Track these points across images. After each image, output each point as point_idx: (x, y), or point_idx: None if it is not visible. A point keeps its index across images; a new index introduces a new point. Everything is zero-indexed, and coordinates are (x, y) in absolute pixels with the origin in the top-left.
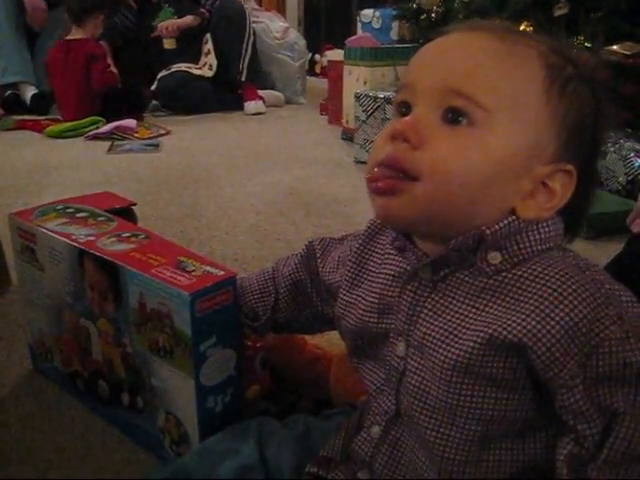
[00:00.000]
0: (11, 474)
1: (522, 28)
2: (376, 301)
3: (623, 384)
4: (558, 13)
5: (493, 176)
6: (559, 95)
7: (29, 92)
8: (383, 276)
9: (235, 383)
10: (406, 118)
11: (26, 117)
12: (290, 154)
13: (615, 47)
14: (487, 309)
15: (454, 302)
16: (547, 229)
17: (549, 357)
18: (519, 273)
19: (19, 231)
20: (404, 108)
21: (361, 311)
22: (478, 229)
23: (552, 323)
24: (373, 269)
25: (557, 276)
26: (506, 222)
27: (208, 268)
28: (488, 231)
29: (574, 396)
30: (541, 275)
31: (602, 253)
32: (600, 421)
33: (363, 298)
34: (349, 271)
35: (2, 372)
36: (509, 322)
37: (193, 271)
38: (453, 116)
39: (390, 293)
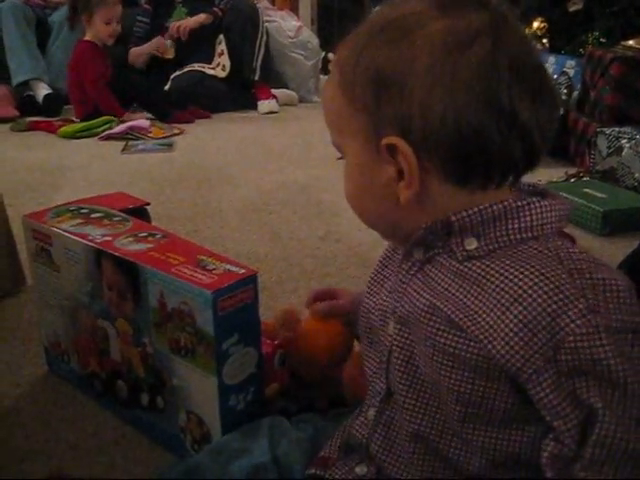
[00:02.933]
0: (24, 471)
1: (536, 25)
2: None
3: (600, 380)
4: (573, 9)
5: (364, 187)
6: (351, 86)
7: (42, 92)
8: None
9: (256, 381)
10: None
11: (39, 118)
12: (303, 153)
13: (631, 42)
14: (457, 294)
15: (434, 282)
16: (528, 218)
17: (508, 351)
18: (487, 263)
19: (34, 232)
20: None
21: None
22: (444, 216)
23: (510, 317)
24: (390, 270)
25: (521, 269)
26: (476, 209)
27: (229, 266)
28: (454, 217)
29: (543, 390)
30: (507, 268)
31: (617, 249)
32: (575, 415)
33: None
34: (371, 276)
35: (17, 371)
36: (472, 314)
37: (214, 269)
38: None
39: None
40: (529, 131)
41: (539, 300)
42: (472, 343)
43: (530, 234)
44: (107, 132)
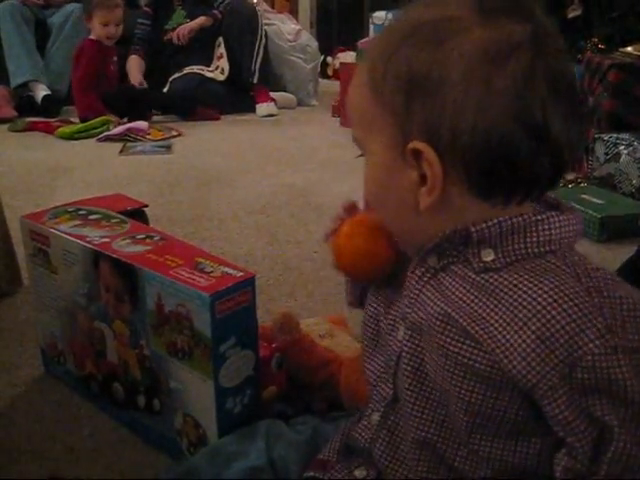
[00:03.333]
0: (20, 472)
1: None
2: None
3: (614, 399)
4: (572, 15)
5: (385, 188)
6: (381, 87)
7: (41, 93)
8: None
9: (253, 384)
10: None
11: (38, 119)
12: (302, 156)
13: (630, 48)
14: (473, 305)
15: (448, 291)
16: (547, 232)
17: (525, 367)
18: (505, 277)
19: (31, 233)
20: None
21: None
22: (464, 225)
23: (528, 333)
24: None
25: (540, 284)
26: (495, 221)
27: (226, 269)
28: (473, 228)
29: (558, 407)
30: (525, 283)
31: (615, 255)
32: (589, 432)
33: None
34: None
35: (13, 372)
36: (488, 328)
37: (211, 272)
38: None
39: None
40: (559, 148)
41: (558, 317)
42: (486, 355)
43: (548, 248)
44: (105, 133)
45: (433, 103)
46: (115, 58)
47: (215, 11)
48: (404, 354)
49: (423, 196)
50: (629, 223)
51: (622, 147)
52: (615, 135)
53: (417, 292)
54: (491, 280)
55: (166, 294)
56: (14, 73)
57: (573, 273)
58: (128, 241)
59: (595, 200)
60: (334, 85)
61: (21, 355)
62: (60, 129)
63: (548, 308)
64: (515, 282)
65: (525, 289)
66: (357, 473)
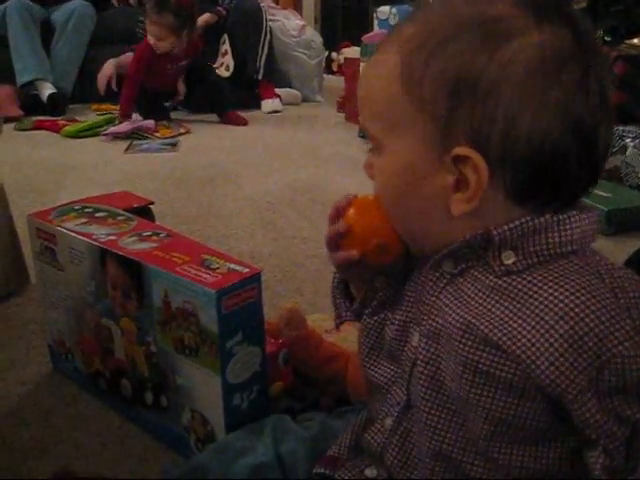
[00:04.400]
0: (28, 469)
1: None
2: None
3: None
4: (577, 7)
5: (407, 190)
6: (419, 85)
7: (47, 91)
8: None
9: (260, 380)
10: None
11: (44, 117)
12: (307, 152)
13: (635, 40)
14: (494, 310)
15: (467, 297)
16: (569, 232)
17: (553, 372)
18: (529, 279)
19: (38, 231)
20: None
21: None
22: (485, 228)
23: (556, 336)
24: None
25: (565, 286)
26: (517, 223)
27: (232, 265)
28: (495, 231)
29: (589, 411)
30: (550, 284)
31: (621, 249)
32: (622, 433)
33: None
34: None
35: (21, 370)
36: (513, 332)
37: (218, 268)
38: (374, 149)
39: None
40: (601, 157)
41: (586, 320)
42: (508, 362)
43: (570, 248)
44: (112, 129)
45: (484, 109)
46: (171, 66)
47: (219, 8)
48: (419, 362)
49: (458, 202)
50: (636, 216)
51: (628, 140)
52: (621, 128)
53: (433, 298)
54: (514, 283)
55: (173, 291)
56: (20, 72)
57: (596, 273)
58: (134, 238)
59: (601, 193)
60: (339, 81)
61: (29, 352)
62: (66, 128)
63: (576, 310)
64: (539, 284)
65: (550, 291)
66: (368, 472)
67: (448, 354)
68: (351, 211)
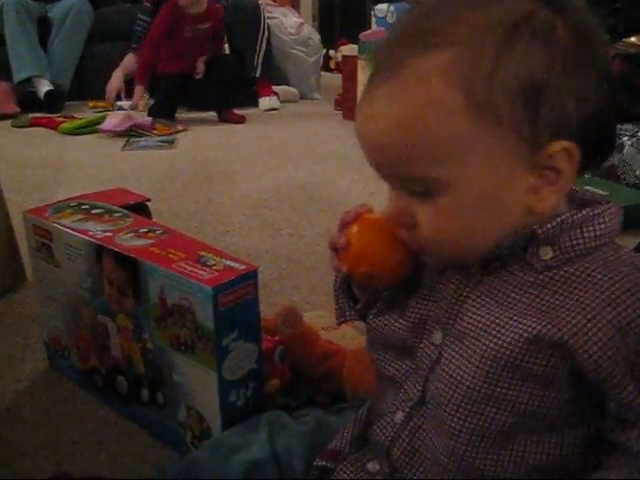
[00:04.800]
0: (26, 466)
1: None
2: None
3: None
4: None
5: (484, 213)
6: (489, 107)
7: (44, 88)
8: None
9: (257, 377)
10: (390, 205)
11: (41, 114)
12: (304, 149)
13: (633, 39)
14: (534, 304)
15: (500, 295)
16: (603, 225)
17: (601, 356)
18: (570, 271)
19: (34, 228)
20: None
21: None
22: (530, 228)
23: (603, 322)
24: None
25: (610, 275)
26: (559, 220)
27: (229, 262)
28: (540, 230)
29: (630, 394)
30: (593, 274)
31: None
32: None
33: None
34: None
35: (18, 367)
36: (557, 320)
37: (214, 265)
38: (422, 194)
39: (431, 282)
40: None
41: (634, 306)
42: (542, 353)
43: (602, 241)
44: (109, 125)
45: (559, 99)
46: (191, 28)
47: (218, 5)
48: (444, 360)
49: (549, 196)
50: (633, 214)
51: (626, 138)
52: (618, 126)
53: (460, 300)
54: (556, 277)
55: (169, 287)
56: (17, 69)
57: (631, 264)
58: (131, 235)
59: (599, 191)
60: (336, 78)
61: (25, 349)
62: (63, 125)
63: (622, 297)
64: (583, 275)
65: (595, 280)
66: (370, 466)
67: (474, 352)
68: (354, 229)
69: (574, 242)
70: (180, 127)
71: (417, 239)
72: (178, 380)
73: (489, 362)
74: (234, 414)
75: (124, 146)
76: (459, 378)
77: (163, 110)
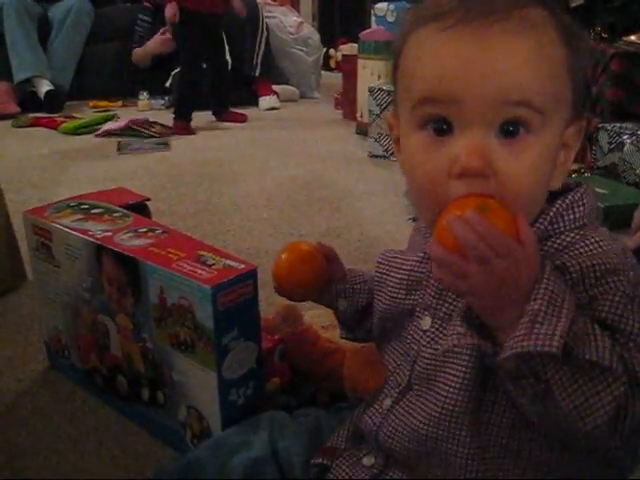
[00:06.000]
0: (26, 464)
1: None
2: (405, 277)
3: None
4: (575, 4)
5: (548, 171)
6: (575, 60)
7: (44, 88)
8: (414, 256)
9: (257, 376)
10: (469, 150)
11: (41, 114)
12: (304, 149)
13: (633, 37)
14: None
15: None
16: (582, 208)
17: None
18: (550, 244)
19: (34, 228)
20: (444, 125)
21: (390, 288)
22: (535, 228)
23: (591, 268)
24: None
25: (591, 239)
26: (554, 209)
27: (228, 261)
28: (542, 227)
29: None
30: (574, 243)
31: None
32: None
33: (394, 276)
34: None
35: (18, 367)
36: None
37: (213, 265)
38: (511, 127)
39: (420, 270)
40: None
41: (612, 256)
42: None
43: (582, 222)
44: (104, 128)
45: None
46: None
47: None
48: (432, 342)
49: (559, 175)
50: (632, 213)
51: (626, 136)
52: (618, 124)
53: None
54: (548, 249)
55: (168, 287)
56: (17, 69)
57: (607, 235)
58: (130, 234)
59: (599, 190)
60: (336, 78)
61: (25, 349)
62: (63, 124)
63: (604, 248)
64: (565, 242)
65: (578, 246)
66: (365, 460)
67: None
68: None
69: (555, 226)
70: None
71: (489, 190)
72: (178, 379)
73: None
74: (234, 413)
75: (119, 149)
76: (440, 361)
77: (189, 104)
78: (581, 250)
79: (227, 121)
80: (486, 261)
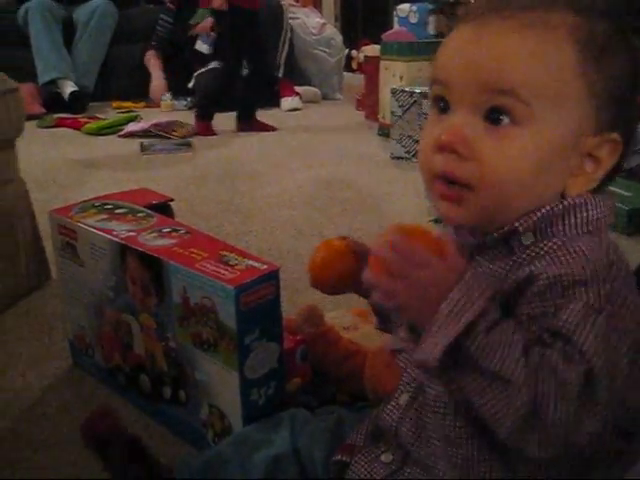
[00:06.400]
0: (49, 462)
1: None
2: None
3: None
4: None
5: (541, 170)
6: (595, 68)
7: (68, 89)
8: None
9: (278, 376)
10: (449, 127)
11: (65, 115)
12: (326, 150)
13: None
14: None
15: (488, 270)
16: (585, 214)
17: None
18: (533, 248)
19: (59, 227)
20: (442, 103)
21: None
22: (512, 226)
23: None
24: None
25: (570, 248)
26: (544, 211)
27: (251, 262)
28: (521, 228)
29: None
30: (555, 249)
31: None
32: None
33: None
34: None
35: (43, 364)
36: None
37: (236, 265)
38: (496, 115)
39: None
40: None
41: (590, 267)
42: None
43: (586, 229)
44: (127, 129)
45: (624, 97)
46: None
47: None
48: None
49: (583, 181)
50: None
51: None
52: None
53: None
54: (530, 253)
55: (191, 287)
56: (42, 70)
57: (604, 247)
58: (154, 234)
59: (622, 192)
60: (359, 79)
61: (50, 347)
62: (87, 125)
63: (582, 258)
64: (546, 249)
65: (556, 254)
66: (383, 457)
67: None
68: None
69: (554, 229)
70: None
71: (464, 172)
72: (200, 378)
73: None
74: (255, 412)
75: (142, 149)
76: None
77: (212, 105)
78: (556, 259)
79: (254, 130)
80: (407, 274)
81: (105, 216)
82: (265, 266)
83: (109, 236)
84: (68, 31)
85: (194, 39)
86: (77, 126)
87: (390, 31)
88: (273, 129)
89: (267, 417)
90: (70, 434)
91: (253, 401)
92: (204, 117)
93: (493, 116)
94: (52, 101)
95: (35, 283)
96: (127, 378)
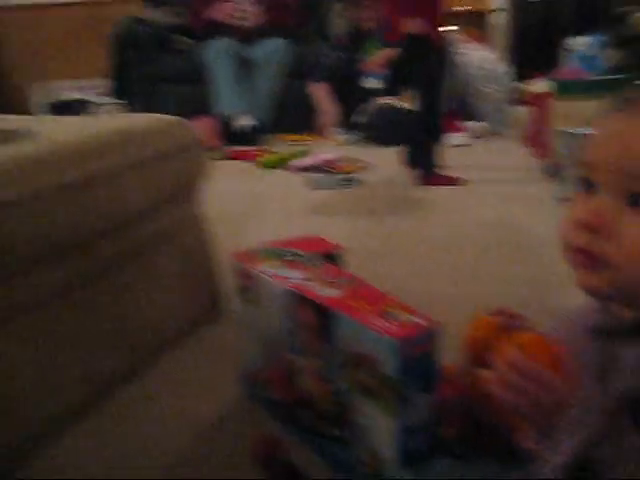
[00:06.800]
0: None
1: None
2: None
3: None
4: None
5: None
6: None
7: (244, 123)
8: None
9: (432, 425)
10: (592, 208)
11: (239, 147)
12: (492, 189)
13: None
14: None
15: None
16: None
17: None
18: None
19: (239, 271)
20: (588, 185)
21: None
22: None
23: None
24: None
25: None
26: None
27: (413, 317)
28: None
29: None
30: None
31: None
32: None
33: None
34: None
35: (212, 394)
36: None
37: (399, 319)
38: (637, 199)
39: None
40: None
41: None
42: None
43: None
44: (298, 163)
45: None
46: None
47: None
48: None
49: None
50: None
51: None
52: None
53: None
54: None
55: (356, 337)
56: (220, 105)
57: None
58: (323, 284)
59: None
60: (528, 112)
61: (221, 378)
62: (261, 158)
63: None
64: None
65: None
66: None
67: None
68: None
69: None
70: (361, 164)
71: (602, 252)
72: (360, 422)
73: None
74: (410, 459)
75: (311, 185)
76: None
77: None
78: None
79: (434, 185)
80: (531, 395)
81: (280, 262)
82: (427, 322)
83: (283, 283)
84: (245, 68)
85: (361, 74)
86: (249, 158)
87: (562, 69)
88: (458, 182)
89: (421, 463)
90: (241, 460)
91: (408, 448)
92: (431, 166)
93: (635, 199)
94: (228, 135)
95: (208, 318)
96: (292, 412)
